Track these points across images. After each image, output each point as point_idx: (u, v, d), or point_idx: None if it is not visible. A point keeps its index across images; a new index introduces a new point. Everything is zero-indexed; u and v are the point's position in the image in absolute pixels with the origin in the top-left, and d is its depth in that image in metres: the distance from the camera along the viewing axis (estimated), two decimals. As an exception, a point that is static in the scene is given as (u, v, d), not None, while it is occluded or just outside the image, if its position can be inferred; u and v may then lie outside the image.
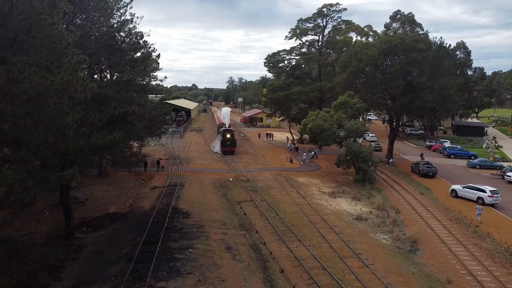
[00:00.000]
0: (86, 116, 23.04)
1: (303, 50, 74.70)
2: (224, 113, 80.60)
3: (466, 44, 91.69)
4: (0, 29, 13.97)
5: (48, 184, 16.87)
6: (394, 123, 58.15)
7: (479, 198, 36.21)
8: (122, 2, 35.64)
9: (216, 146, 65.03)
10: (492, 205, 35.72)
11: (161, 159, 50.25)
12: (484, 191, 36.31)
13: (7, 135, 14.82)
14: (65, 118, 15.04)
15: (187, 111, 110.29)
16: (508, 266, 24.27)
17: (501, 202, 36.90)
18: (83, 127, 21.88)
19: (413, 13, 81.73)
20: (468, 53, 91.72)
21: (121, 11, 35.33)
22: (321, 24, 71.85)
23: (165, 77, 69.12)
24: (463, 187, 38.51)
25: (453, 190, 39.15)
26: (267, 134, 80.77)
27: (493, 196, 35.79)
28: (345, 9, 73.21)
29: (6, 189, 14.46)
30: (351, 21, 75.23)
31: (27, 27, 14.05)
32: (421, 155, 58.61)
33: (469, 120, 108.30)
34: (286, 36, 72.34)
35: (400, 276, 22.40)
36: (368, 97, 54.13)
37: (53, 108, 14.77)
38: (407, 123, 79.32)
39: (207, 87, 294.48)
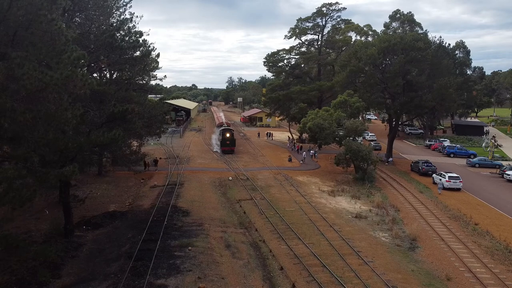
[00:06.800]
0: (86, 113, 23.10)
1: (303, 49, 74.71)
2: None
3: (466, 44, 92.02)
4: (0, 25, 13.98)
5: (48, 181, 16.86)
6: (394, 122, 58.18)
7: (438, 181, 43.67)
8: (121, 2, 35.85)
9: (215, 145, 65.09)
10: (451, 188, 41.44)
11: (157, 158, 49.87)
12: (439, 175, 44.18)
13: (6, 131, 14.83)
14: (64, 114, 15.05)
15: (187, 111, 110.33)
16: (507, 263, 24.34)
17: (501, 200, 37.57)
18: (82, 125, 21.91)
19: (412, 13, 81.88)
20: (467, 52, 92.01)
21: (121, 10, 35.62)
22: (321, 24, 71.92)
23: (165, 76, 68.95)
24: (436, 175, 45.26)
25: (433, 177, 45.45)
26: (267, 134, 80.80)
27: (440, 180, 42.47)
28: (344, 8, 73.23)
29: (5, 185, 14.46)
30: (351, 20, 75.36)
31: (26, 23, 14.06)
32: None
33: (469, 119, 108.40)
34: (286, 36, 72.44)
35: (399, 273, 22.42)
36: (368, 96, 54.14)
37: (52, 104, 14.77)
38: (407, 122, 79.37)
39: (207, 87, 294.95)
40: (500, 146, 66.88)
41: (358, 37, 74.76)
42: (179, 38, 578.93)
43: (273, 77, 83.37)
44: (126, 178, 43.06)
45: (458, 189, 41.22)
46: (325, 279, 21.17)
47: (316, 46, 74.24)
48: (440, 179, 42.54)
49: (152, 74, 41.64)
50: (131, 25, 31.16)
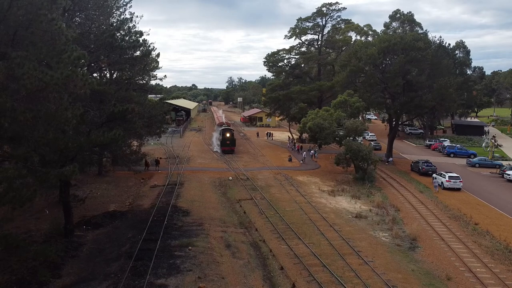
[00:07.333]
0: (86, 113, 23.09)
1: (303, 49, 74.69)
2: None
3: (466, 44, 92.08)
4: (0, 25, 13.97)
5: (48, 180, 16.85)
6: (394, 122, 58.18)
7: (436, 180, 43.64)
8: (121, 2, 35.83)
9: (215, 145, 65.10)
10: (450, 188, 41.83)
11: (158, 158, 49.78)
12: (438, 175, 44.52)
13: (6, 131, 14.82)
14: (64, 113, 15.03)
15: (187, 111, 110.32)
16: (507, 263, 24.34)
17: (501, 200, 37.70)
18: (82, 124, 21.90)
19: (412, 13, 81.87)
20: (467, 52, 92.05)
21: (121, 10, 35.60)
22: (321, 23, 71.93)
23: (165, 76, 69.03)
24: (436, 174, 44.99)
25: (433, 177, 44.85)
26: (267, 134, 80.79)
27: (435, 179, 43.31)
28: (345, 8, 73.28)
29: (5, 185, 14.45)
30: (351, 20, 75.30)
31: (26, 23, 14.06)
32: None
33: (469, 119, 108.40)
34: (286, 36, 72.44)
35: (399, 273, 22.42)
36: (368, 96, 54.15)
37: (52, 104, 14.77)
38: (407, 122, 79.36)
39: (207, 87, 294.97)
40: (500, 146, 66.88)
41: (358, 37, 74.81)
42: (179, 38, 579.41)
43: (273, 77, 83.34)
44: (126, 178, 43.06)
45: (458, 189, 41.31)
46: (325, 279, 21.17)
47: (316, 46, 74.22)
48: (435, 178, 43.21)
49: (152, 74, 41.71)
50: (131, 25, 31.21)
